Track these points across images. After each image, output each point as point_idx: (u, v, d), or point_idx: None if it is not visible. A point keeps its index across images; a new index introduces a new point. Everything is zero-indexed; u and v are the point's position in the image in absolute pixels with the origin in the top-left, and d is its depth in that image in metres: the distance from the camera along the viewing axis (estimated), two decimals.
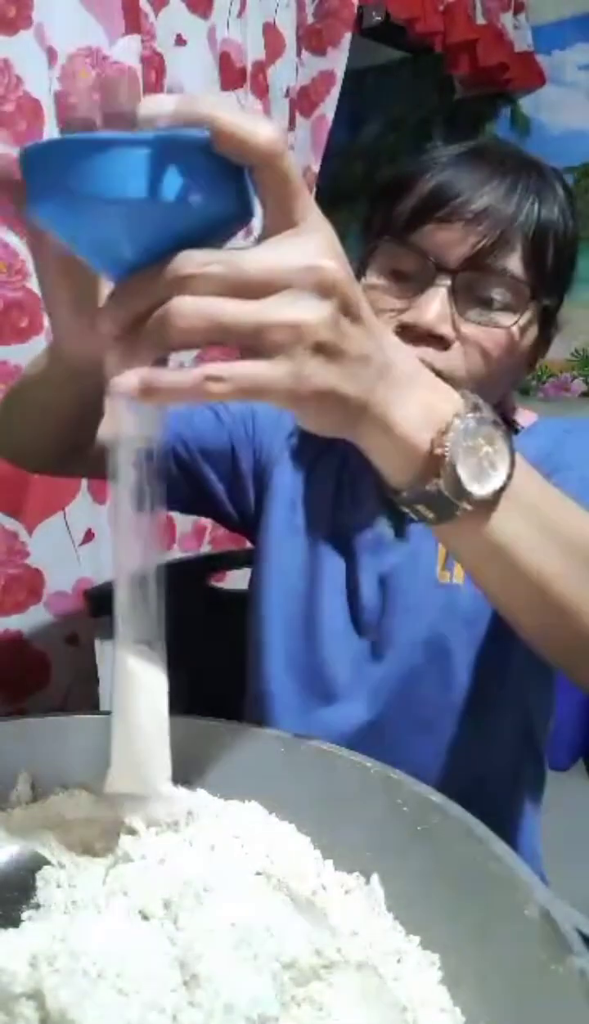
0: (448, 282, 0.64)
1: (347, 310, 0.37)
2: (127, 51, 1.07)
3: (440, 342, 0.64)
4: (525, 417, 0.78)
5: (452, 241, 0.64)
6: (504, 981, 0.40)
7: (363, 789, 0.52)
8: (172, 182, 0.34)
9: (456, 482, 0.42)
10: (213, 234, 0.36)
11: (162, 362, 0.38)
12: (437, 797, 0.48)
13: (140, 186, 0.33)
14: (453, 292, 0.64)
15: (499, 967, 0.41)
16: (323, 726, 0.76)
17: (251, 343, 0.36)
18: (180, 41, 1.20)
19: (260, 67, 1.34)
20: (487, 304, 0.65)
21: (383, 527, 0.77)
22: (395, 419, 0.41)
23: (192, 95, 0.35)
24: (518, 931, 0.40)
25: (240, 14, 1.29)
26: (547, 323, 0.71)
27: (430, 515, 0.45)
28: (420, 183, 0.66)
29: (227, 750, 0.58)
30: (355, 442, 0.43)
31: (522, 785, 0.80)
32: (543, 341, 0.72)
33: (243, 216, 0.37)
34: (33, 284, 1.01)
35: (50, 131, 1.00)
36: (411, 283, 0.66)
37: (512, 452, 0.44)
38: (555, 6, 2.11)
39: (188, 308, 0.35)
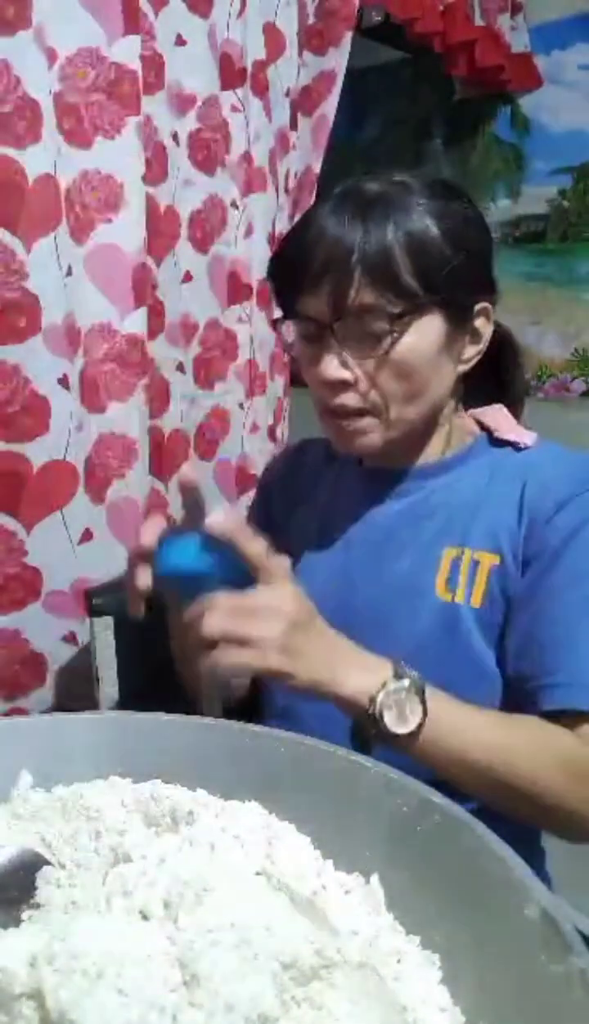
0: (330, 335, 0.73)
1: (297, 625, 0.63)
2: (127, 51, 1.07)
3: (348, 386, 0.75)
4: (528, 437, 0.81)
5: (314, 302, 0.74)
6: (504, 981, 0.40)
7: (363, 789, 0.52)
8: (217, 570, 0.66)
9: (385, 727, 0.63)
10: (234, 585, 0.65)
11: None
12: (437, 797, 0.48)
13: (202, 569, 0.67)
14: (339, 341, 0.73)
15: (499, 967, 0.41)
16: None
17: (241, 642, 0.62)
18: (180, 41, 1.20)
19: (260, 67, 1.34)
20: (377, 334, 0.72)
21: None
22: (340, 690, 0.64)
23: (248, 536, 0.65)
24: (518, 931, 0.40)
25: (240, 14, 1.29)
26: (460, 315, 0.75)
27: (377, 741, 0.64)
28: (277, 261, 0.78)
29: (227, 750, 0.58)
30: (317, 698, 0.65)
31: None
32: (463, 328, 0.76)
33: (247, 582, 0.65)
34: (30, 284, 1.01)
35: (48, 132, 1.00)
36: (315, 343, 0.76)
37: (424, 702, 0.64)
38: (554, 6, 2.11)
39: (207, 623, 0.62)
